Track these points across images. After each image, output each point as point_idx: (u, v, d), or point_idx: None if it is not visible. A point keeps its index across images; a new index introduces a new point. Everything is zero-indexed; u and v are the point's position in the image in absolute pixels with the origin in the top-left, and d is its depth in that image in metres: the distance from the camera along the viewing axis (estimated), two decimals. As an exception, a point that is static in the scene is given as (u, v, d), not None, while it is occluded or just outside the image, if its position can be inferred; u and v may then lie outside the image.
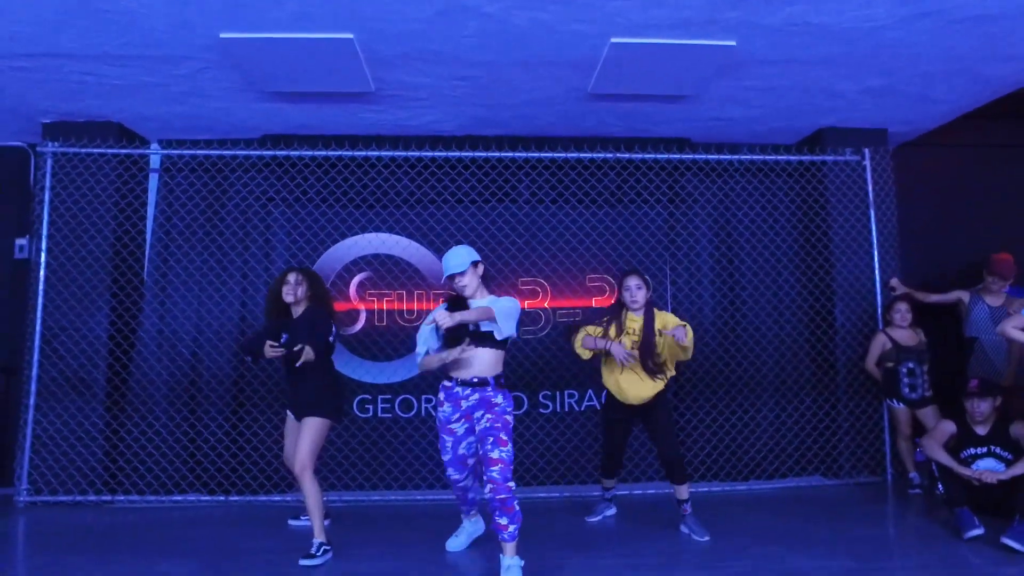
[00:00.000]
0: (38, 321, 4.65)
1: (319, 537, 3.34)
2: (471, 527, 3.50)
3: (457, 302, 3.13)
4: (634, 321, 3.62)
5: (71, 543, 3.62)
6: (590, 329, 3.68)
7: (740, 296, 5.26)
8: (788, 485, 4.97)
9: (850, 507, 4.29)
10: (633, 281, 3.61)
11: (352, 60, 3.84)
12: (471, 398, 3.06)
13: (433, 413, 5.01)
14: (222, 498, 4.65)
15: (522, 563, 2.94)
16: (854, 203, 5.15)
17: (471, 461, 3.19)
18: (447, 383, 3.15)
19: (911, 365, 4.63)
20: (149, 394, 4.81)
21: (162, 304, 4.99)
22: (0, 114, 4.72)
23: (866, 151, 5.15)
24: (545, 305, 5.17)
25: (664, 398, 3.61)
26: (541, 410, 5.06)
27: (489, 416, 3.00)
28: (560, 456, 4.99)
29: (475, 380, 3.04)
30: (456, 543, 3.45)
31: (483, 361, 3.05)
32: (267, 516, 4.21)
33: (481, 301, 3.07)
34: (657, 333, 3.51)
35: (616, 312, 3.68)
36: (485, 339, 3.02)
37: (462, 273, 3.04)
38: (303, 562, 3.21)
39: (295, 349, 3.31)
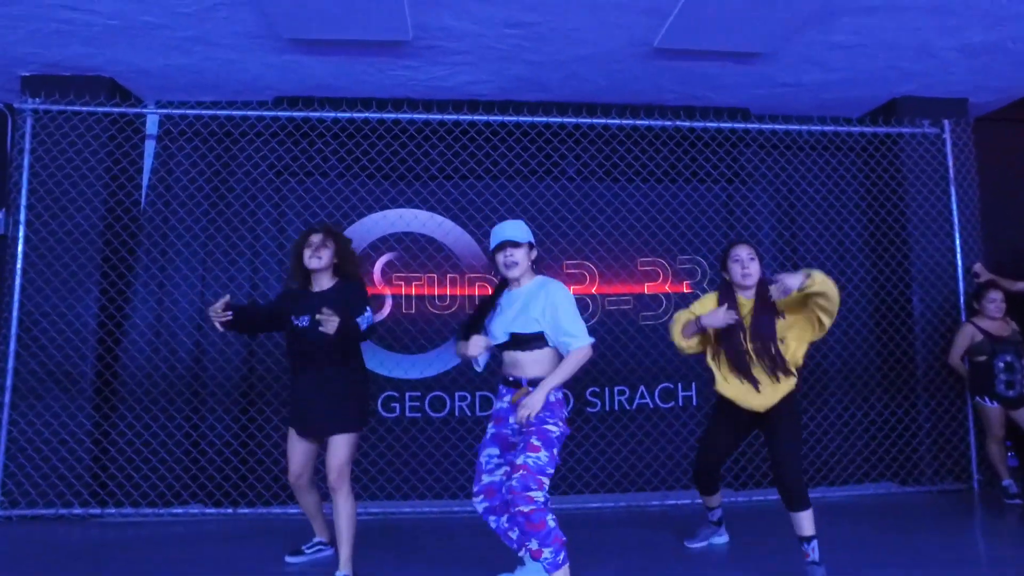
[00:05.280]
0: (15, 305, 4.01)
1: (345, 569, 2.77)
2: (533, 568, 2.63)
3: (500, 286, 2.72)
4: (744, 305, 2.93)
5: (52, 563, 3.01)
6: (689, 312, 2.99)
7: (805, 283, 4.76)
8: (859, 493, 4.47)
9: (945, 517, 3.79)
10: (744, 251, 2.93)
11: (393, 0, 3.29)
12: (504, 400, 2.64)
13: (467, 412, 4.47)
14: (229, 511, 4.03)
15: None
16: (933, 180, 4.66)
17: (487, 478, 2.64)
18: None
19: (1008, 359, 4.14)
20: (144, 391, 4.18)
21: (159, 288, 4.36)
22: (-29, 66, 4.08)
23: (946, 123, 4.67)
24: (592, 291, 4.62)
25: (792, 401, 2.88)
26: (589, 409, 4.51)
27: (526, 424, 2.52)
28: (615, 460, 4.44)
29: (511, 379, 2.61)
30: None
31: (526, 360, 2.57)
32: (283, 530, 3.62)
33: (528, 285, 2.64)
34: (777, 312, 2.85)
35: (728, 294, 2.95)
36: (532, 341, 2.55)
37: (517, 245, 2.60)
38: None
39: (319, 317, 2.60)
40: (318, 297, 2.92)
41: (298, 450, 2.95)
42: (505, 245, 2.59)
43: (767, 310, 2.83)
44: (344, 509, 2.81)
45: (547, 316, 2.51)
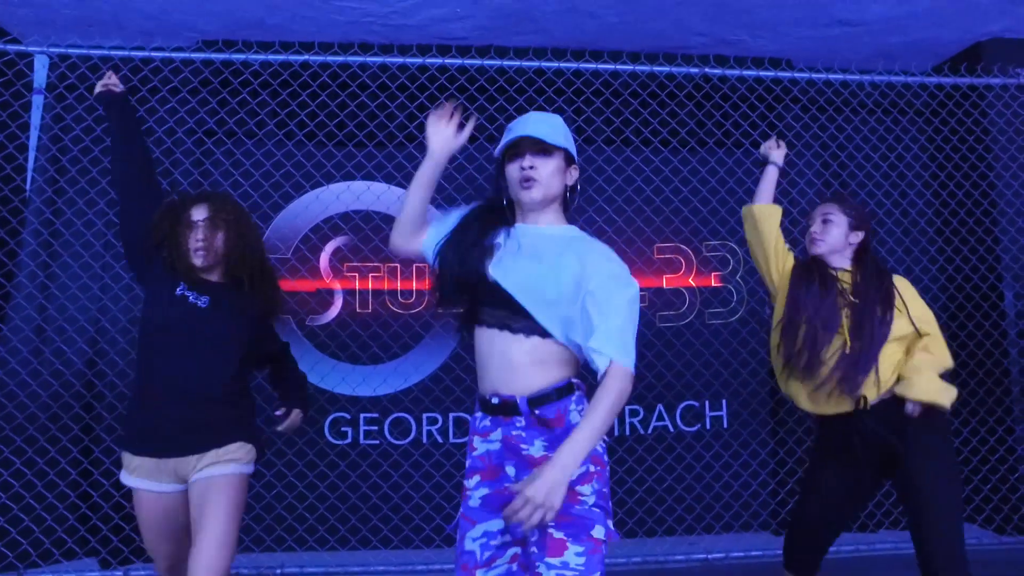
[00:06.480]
0: None
1: None
2: None
3: (494, 214, 1.59)
4: (842, 278, 2.08)
5: None
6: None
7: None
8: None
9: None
10: (821, 210, 2.17)
11: None
12: (492, 437, 1.49)
13: (438, 439, 3.52)
14: (119, 573, 3.07)
15: None
16: (1030, 145, 3.70)
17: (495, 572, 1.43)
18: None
19: None
20: (19, 414, 3.20)
21: (47, 280, 3.41)
22: None
23: (1047, 72, 3.72)
24: (598, 286, 3.65)
25: (938, 433, 1.91)
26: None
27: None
28: (627, 503, 3.47)
29: (496, 401, 1.47)
30: None
31: (516, 361, 1.45)
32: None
33: (556, 228, 1.54)
34: (898, 310, 1.99)
35: (817, 267, 2.12)
36: (518, 316, 1.45)
37: (546, 151, 1.50)
38: None
39: (279, 414, 2.09)
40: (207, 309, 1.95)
41: (159, 515, 1.91)
42: (523, 146, 1.50)
43: (877, 287, 2.01)
44: None
45: (588, 297, 1.39)
